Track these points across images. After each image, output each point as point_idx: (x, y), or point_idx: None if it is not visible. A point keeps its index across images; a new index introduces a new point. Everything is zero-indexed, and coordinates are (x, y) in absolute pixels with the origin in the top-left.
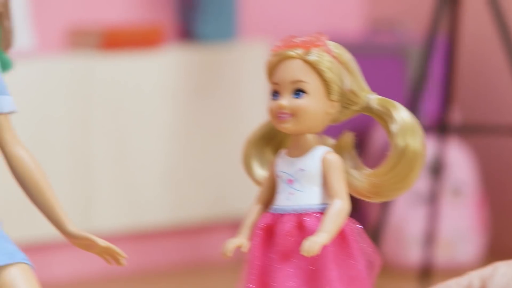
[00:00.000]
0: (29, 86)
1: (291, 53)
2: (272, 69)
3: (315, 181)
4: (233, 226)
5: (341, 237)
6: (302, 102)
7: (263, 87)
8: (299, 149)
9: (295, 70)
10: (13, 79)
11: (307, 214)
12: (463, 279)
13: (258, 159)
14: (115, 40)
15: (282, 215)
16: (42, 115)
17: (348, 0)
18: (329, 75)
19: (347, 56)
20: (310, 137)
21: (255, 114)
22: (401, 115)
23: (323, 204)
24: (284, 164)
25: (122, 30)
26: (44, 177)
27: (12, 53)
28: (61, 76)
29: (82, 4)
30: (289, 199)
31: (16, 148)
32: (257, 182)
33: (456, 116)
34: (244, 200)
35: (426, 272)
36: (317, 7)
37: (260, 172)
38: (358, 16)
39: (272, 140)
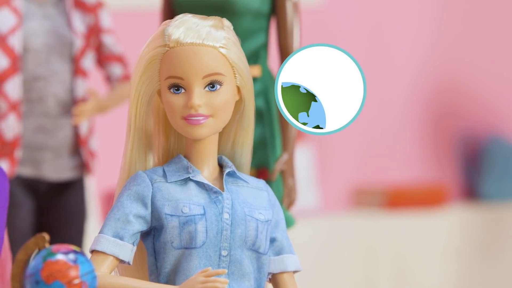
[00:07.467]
0: (313, 243)
1: None
2: None
3: None
4: None
5: None
6: None
7: None
8: None
9: None
10: (297, 236)
11: None
12: None
13: None
14: (399, 199)
15: None
16: (325, 272)
17: None
18: None
19: None
20: None
21: None
22: None
23: None
24: None
25: (406, 189)
26: None
27: (295, 211)
28: (345, 234)
29: (366, 164)
30: None
31: None
32: None
33: None
34: None
35: None
36: None
37: None
38: None
39: None
